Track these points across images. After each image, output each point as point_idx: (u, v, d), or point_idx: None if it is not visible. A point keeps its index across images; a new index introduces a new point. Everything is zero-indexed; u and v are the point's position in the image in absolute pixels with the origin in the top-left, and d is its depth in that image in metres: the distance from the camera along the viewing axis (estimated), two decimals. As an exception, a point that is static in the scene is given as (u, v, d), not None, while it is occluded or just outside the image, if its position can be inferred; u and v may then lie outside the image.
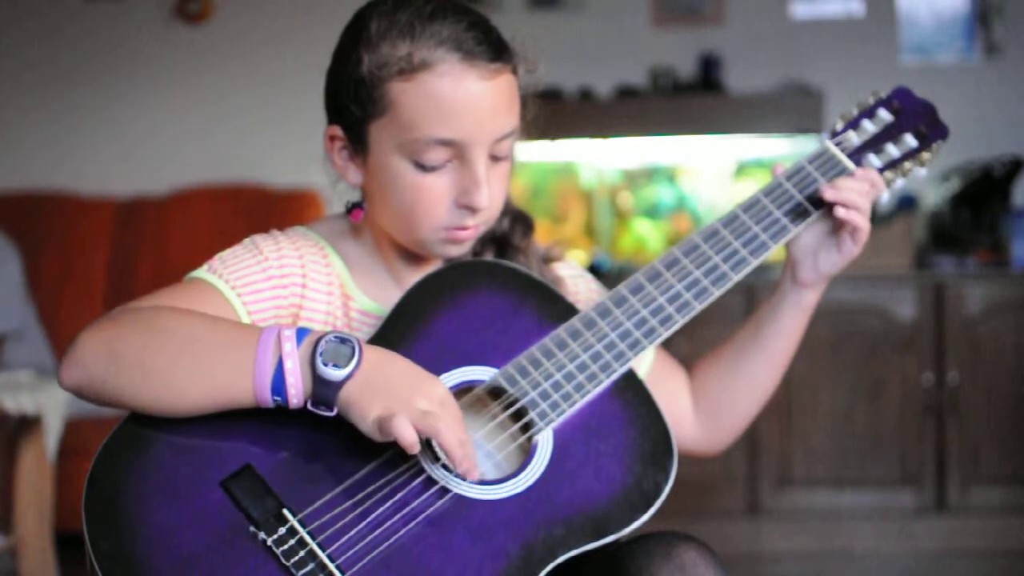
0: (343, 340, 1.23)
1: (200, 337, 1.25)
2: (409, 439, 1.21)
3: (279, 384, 1.22)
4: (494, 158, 1.37)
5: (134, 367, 1.23)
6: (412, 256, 1.45)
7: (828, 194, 1.44)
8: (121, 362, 1.24)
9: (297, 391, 1.22)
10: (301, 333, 1.24)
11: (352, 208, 1.43)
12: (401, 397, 1.22)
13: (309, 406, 1.23)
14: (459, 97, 1.32)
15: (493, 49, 1.34)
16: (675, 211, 4.55)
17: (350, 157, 1.40)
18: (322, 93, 1.42)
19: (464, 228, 1.38)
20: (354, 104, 1.36)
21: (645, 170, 4.58)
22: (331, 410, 1.23)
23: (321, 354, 1.22)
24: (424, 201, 1.36)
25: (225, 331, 1.26)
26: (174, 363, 1.23)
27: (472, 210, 1.36)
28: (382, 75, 1.33)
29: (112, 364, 1.24)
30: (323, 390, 1.22)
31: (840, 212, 1.44)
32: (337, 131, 1.39)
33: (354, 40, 1.36)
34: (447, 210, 1.36)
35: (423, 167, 1.35)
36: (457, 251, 1.41)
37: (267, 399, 1.23)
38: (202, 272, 1.37)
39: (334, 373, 1.21)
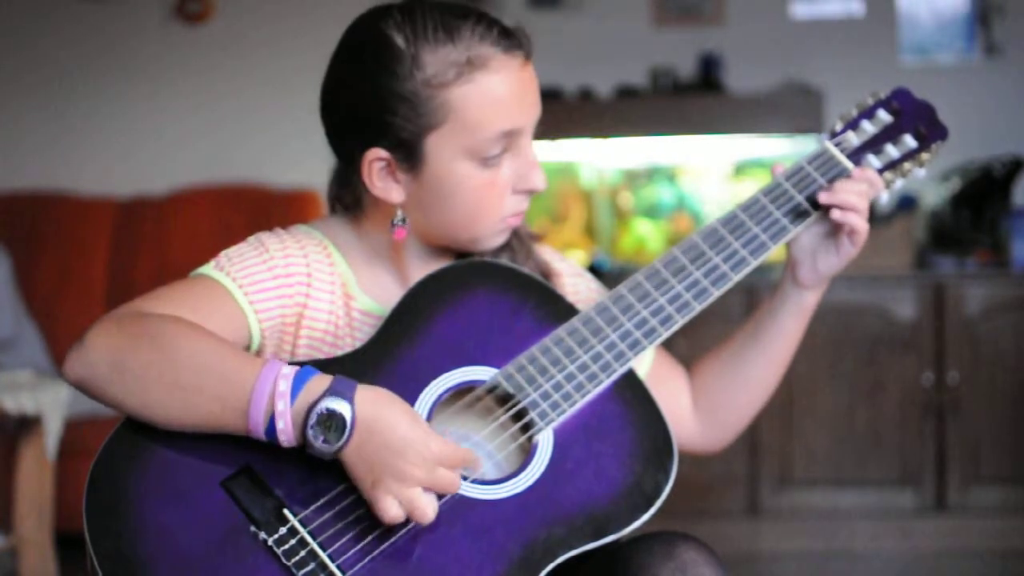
0: (333, 413, 1.20)
1: (203, 368, 1.23)
2: (393, 520, 1.21)
3: (272, 433, 1.22)
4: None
5: (137, 383, 1.23)
6: (423, 256, 1.45)
7: (823, 197, 1.45)
8: (126, 375, 1.24)
9: (289, 443, 1.22)
10: (298, 382, 1.22)
11: (396, 226, 1.39)
12: (390, 469, 1.21)
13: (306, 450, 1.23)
14: (514, 88, 1.35)
15: (517, 39, 1.37)
16: (675, 211, 4.55)
17: (390, 175, 1.38)
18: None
19: (519, 214, 1.42)
20: (403, 121, 1.34)
21: (645, 170, 4.58)
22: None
23: (312, 427, 1.20)
24: (492, 196, 1.38)
25: (227, 366, 1.24)
26: (173, 391, 1.23)
27: (530, 192, 1.40)
28: (437, 83, 1.33)
29: (116, 374, 1.24)
30: (313, 453, 1.22)
31: (836, 215, 1.44)
32: (379, 153, 1.36)
33: (380, 59, 1.34)
34: (509, 199, 1.40)
35: (488, 163, 1.37)
36: (505, 239, 1.44)
37: (262, 439, 1.23)
38: (209, 269, 1.36)
39: (324, 447, 1.20)
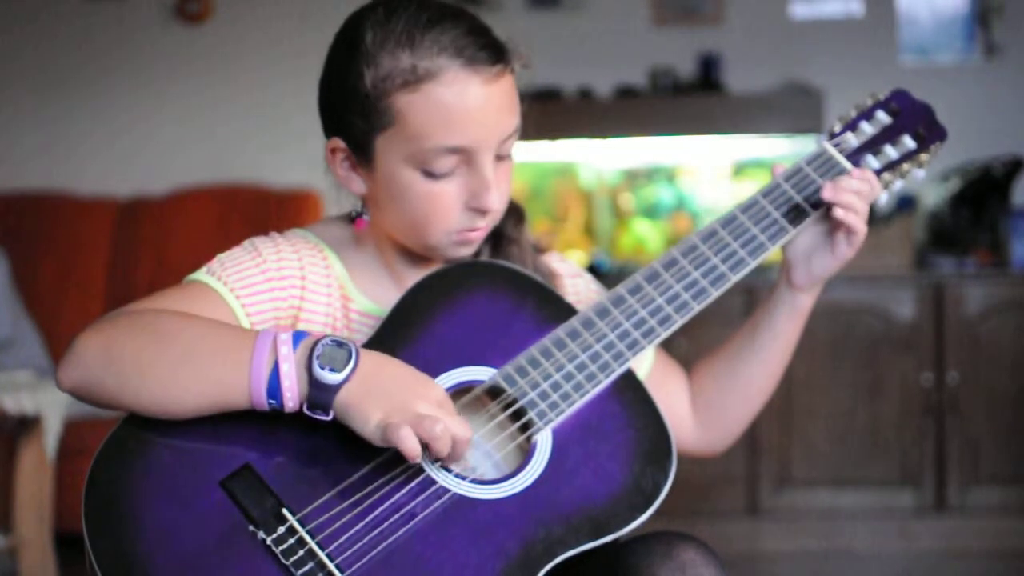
0: (340, 344, 1.23)
1: (197, 340, 1.25)
2: (412, 449, 1.21)
3: (275, 387, 1.22)
4: (498, 157, 1.37)
5: (132, 370, 1.24)
6: (413, 258, 1.45)
7: (827, 194, 1.44)
8: (119, 365, 1.24)
9: (293, 395, 1.22)
10: (298, 336, 1.24)
11: (356, 217, 1.43)
12: (400, 402, 1.22)
13: (305, 410, 1.23)
14: (465, 104, 1.32)
15: (493, 52, 1.34)
16: (675, 211, 4.55)
17: (352, 168, 1.40)
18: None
19: (475, 229, 1.39)
20: (358, 117, 1.35)
21: (645, 170, 4.58)
22: (327, 414, 1.23)
23: (318, 357, 1.22)
24: (436, 209, 1.36)
25: (222, 334, 1.26)
26: (171, 366, 1.24)
27: (483, 212, 1.37)
28: (386, 88, 1.32)
29: (110, 367, 1.24)
30: (319, 394, 1.22)
31: (838, 213, 1.44)
32: (339, 143, 1.39)
33: (350, 53, 1.35)
34: (458, 214, 1.37)
35: (432, 175, 1.35)
36: (467, 251, 1.42)
37: (263, 402, 1.23)
38: (201, 274, 1.37)
39: (331, 377, 1.21)
